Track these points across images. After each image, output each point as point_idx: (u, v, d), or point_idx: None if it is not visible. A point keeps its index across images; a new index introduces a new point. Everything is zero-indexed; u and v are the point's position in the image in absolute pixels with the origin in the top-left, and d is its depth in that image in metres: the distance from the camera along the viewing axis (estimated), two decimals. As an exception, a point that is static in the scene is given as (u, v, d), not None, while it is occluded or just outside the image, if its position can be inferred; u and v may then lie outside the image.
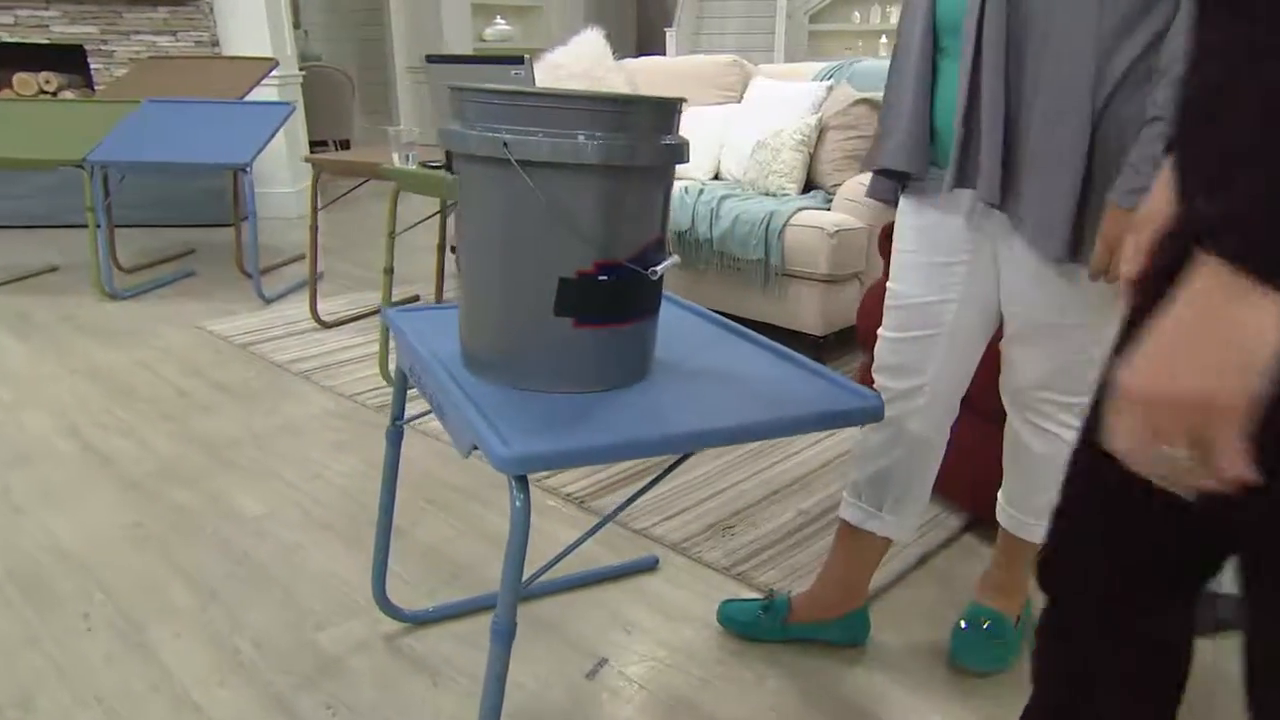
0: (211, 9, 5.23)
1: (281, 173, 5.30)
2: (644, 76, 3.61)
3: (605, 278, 1.06)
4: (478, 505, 1.96)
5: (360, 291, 3.66)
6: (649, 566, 1.72)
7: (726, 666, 1.45)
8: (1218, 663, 1.45)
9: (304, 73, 5.75)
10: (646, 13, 9.68)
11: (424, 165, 2.34)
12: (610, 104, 1.00)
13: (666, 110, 1.05)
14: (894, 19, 7.38)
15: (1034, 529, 1.43)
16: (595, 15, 9.47)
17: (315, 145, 6.91)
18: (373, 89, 9.73)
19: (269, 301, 3.50)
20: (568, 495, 1.98)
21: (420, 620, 1.55)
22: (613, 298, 1.07)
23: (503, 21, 8.85)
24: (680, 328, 1.35)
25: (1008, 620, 1.50)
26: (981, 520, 1.85)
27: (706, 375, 1.16)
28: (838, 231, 2.44)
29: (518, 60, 1.96)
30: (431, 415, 2.38)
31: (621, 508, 1.26)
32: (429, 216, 3.17)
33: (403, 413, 1.44)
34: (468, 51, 8.42)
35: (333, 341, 3.00)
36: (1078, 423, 1.32)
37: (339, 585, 1.66)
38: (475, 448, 1.00)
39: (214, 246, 4.53)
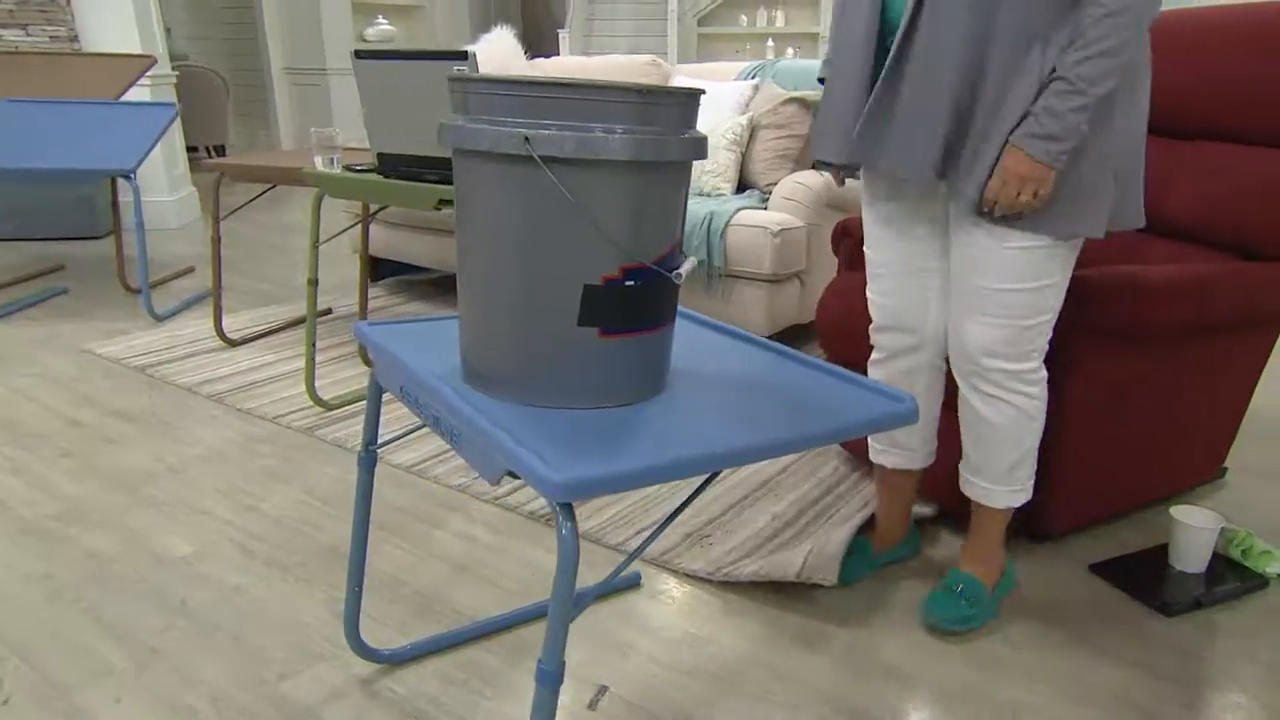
0: (69, 1, 4.80)
1: (159, 180, 4.92)
2: (561, 76, 3.52)
3: (632, 283, 0.98)
4: (428, 526, 1.83)
5: (264, 306, 3.42)
6: (633, 584, 1.64)
7: (730, 682, 1.39)
8: (1193, 640, 1.50)
9: (176, 73, 5.38)
10: (533, 14, 9.55)
11: (349, 169, 2.19)
12: (637, 95, 0.93)
13: (691, 102, 0.99)
14: (780, 23, 7.53)
15: (996, 494, 1.51)
16: (480, 15, 9.29)
17: (188, 152, 6.48)
18: (246, 91, 9.23)
19: (162, 319, 3.23)
20: (532, 513, 1.88)
21: (398, 660, 1.43)
22: (638, 304, 1.00)
23: (384, 21, 8.54)
24: (677, 334, 1.29)
25: (983, 586, 1.54)
26: (951, 511, 1.86)
27: (725, 384, 1.10)
28: (781, 231, 2.42)
29: (460, 56, 1.84)
30: (360, 433, 2.22)
31: (651, 538, 1.18)
32: (352, 225, 2.99)
33: (375, 437, 1.32)
34: (349, 50, 8.10)
35: (244, 360, 2.78)
36: (1026, 389, 1.37)
37: (296, 628, 1.52)
38: (509, 474, 0.90)
39: (84, 261, 4.15)
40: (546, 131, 0.91)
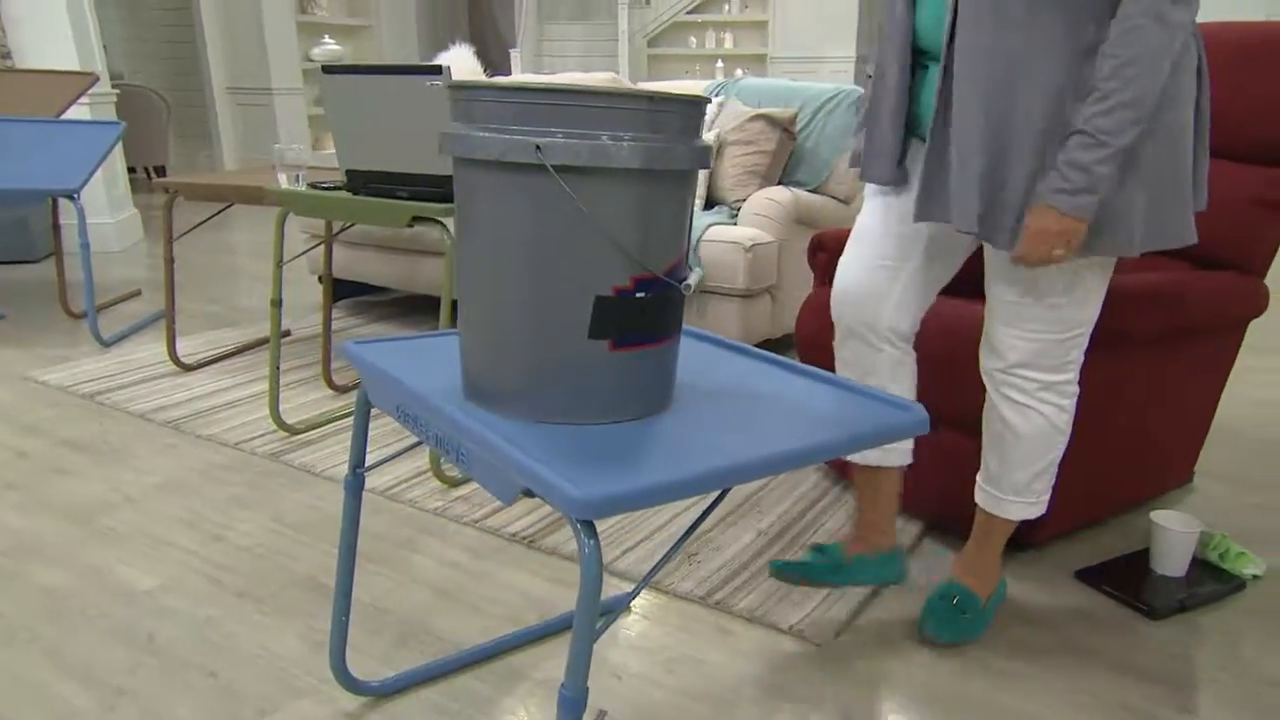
0: None
1: (99, 201, 4.76)
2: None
3: (643, 294, 0.96)
4: (406, 551, 1.78)
5: (217, 330, 3.32)
6: (622, 606, 1.60)
7: (731, 702, 1.36)
8: (1180, 643, 1.51)
9: (117, 90, 5.22)
10: (481, 34, 9.52)
11: (314, 186, 2.13)
12: (647, 103, 0.91)
13: (696, 111, 0.97)
14: (729, 44, 7.62)
15: (1010, 506, 1.50)
16: (428, 35, 9.23)
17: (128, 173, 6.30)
18: (186, 111, 9.03)
19: (109, 345, 3.10)
20: (514, 535, 1.83)
21: (386, 691, 1.37)
22: (649, 315, 0.97)
23: (331, 41, 8.44)
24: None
25: (977, 597, 1.54)
26: (938, 525, 1.86)
27: (730, 397, 1.08)
28: (753, 246, 2.43)
29: (434, 71, 1.81)
30: (339, 456, 2.15)
31: (662, 562, 1.15)
32: (314, 245, 2.92)
33: (363, 459, 1.27)
34: (295, 70, 7.96)
35: (199, 386, 2.68)
36: (1059, 400, 1.37)
37: (274, 661, 1.45)
38: (526, 493, 0.87)
39: (20, 286, 3.99)
40: (558, 140, 0.88)
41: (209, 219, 3.19)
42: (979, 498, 1.53)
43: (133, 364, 2.87)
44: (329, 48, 8.38)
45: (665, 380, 1.03)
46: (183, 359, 2.86)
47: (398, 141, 1.94)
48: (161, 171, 7.32)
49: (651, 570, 0.97)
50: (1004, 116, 1.23)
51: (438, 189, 1.95)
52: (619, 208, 0.92)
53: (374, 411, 2.49)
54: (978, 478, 1.53)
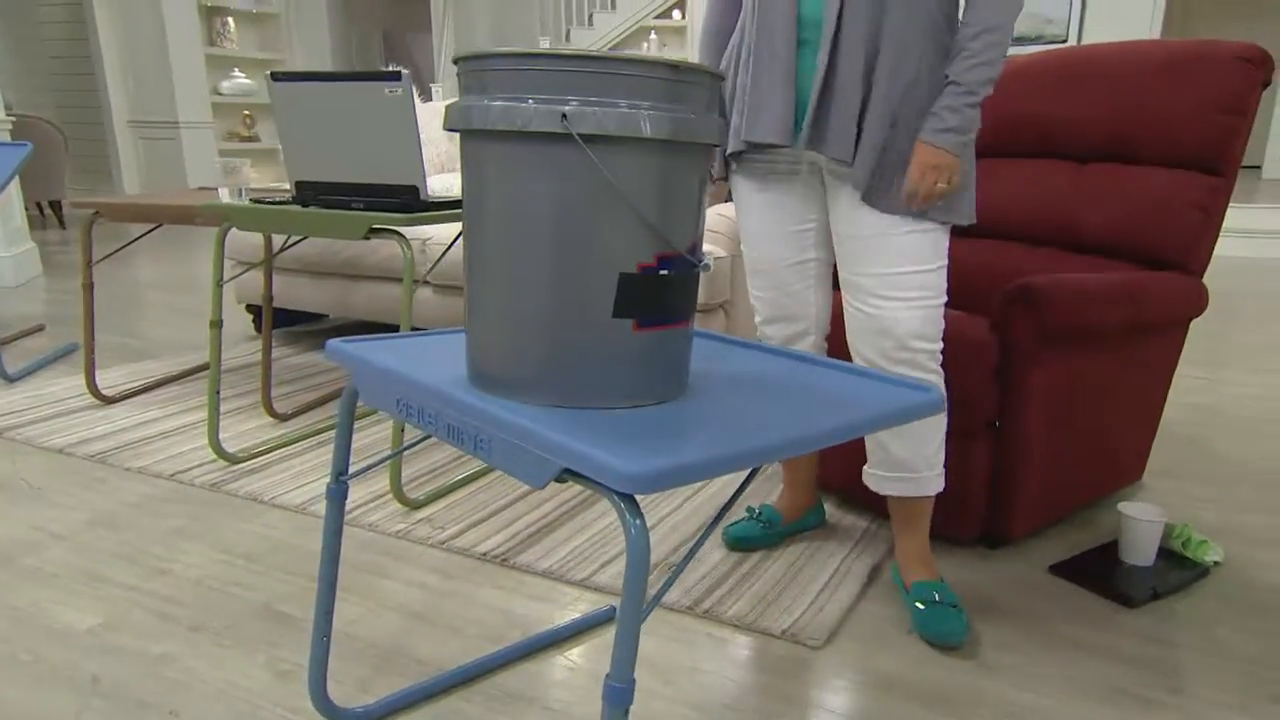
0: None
1: (-7, 234, 4.47)
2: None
3: (666, 271, 0.93)
4: (372, 576, 1.68)
5: (137, 362, 3.12)
6: (608, 618, 1.55)
7: (736, 710, 1.31)
8: (1159, 629, 1.54)
9: (12, 119, 4.95)
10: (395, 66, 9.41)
11: (257, 201, 2.04)
12: (669, 71, 0.89)
13: (716, 84, 0.96)
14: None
15: (932, 481, 1.56)
16: (342, 68, 9.08)
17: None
18: (83, 145, 8.63)
19: (13, 380, 2.88)
20: (484, 555, 1.75)
21: (371, 718, 1.27)
22: (671, 294, 0.94)
23: (240, 74, 8.22)
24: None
25: (945, 585, 1.57)
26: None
27: (745, 384, 1.06)
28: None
29: (393, 76, 1.76)
30: (286, 483, 2.04)
31: (700, 540, 1.11)
32: (252, 266, 2.79)
33: (346, 466, 1.19)
34: (204, 103, 7.71)
35: (124, 418, 2.51)
36: (938, 367, 1.46)
37: (240, 695, 1.33)
38: (559, 478, 0.82)
39: (-87, 323, 3.70)
40: (584, 108, 0.85)
41: (131, 243, 3.01)
42: (895, 489, 1.56)
43: (45, 398, 2.67)
44: (239, 82, 8.17)
45: (684, 364, 1.00)
46: (103, 391, 2.68)
47: (352, 151, 1.87)
48: (58, 207, 6.94)
49: (683, 562, 0.93)
50: (888, 89, 1.38)
51: (395, 199, 1.88)
52: (644, 181, 0.89)
53: (319, 437, 2.37)
54: (878, 473, 1.57)
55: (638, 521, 0.79)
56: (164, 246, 6.08)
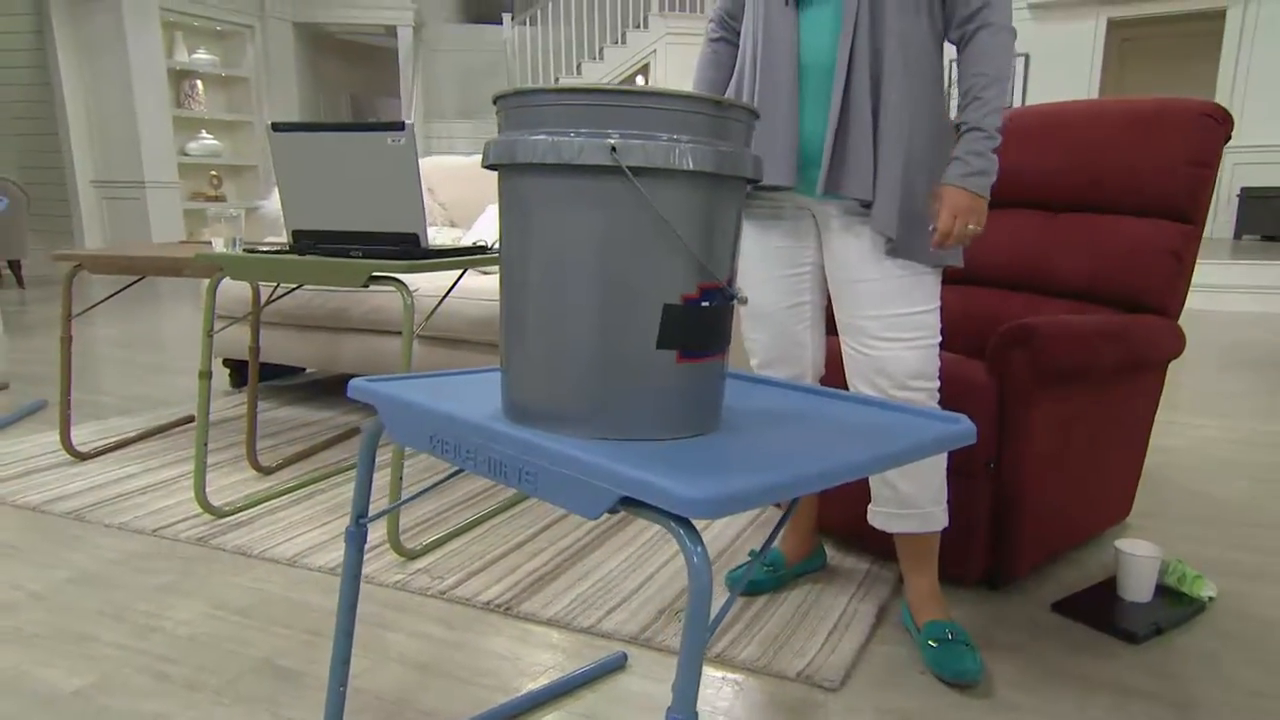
0: None
1: (-45, 292, 4.36)
2: (440, 174, 3.48)
3: (707, 303, 0.95)
4: (374, 628, 1.63)
5: (111, 419, 3.04)
6: (619, 665, 1.52)
7: (758, 755, 1.29)
8: (1165, 663, 1.56)
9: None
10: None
11: (250, 250, 2.03)
12: (713, 107, 0.91)
13: (753, 120, 0.99)
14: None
15: (938, 515, 1.58)
16: (310, 132, 9.12)
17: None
18: (43, 204, 8.51)
19: (-20, 438, 2.79)
20: (487, 604, 1.72)
21: (387, 774, 1.23)
22: (711, 325, 0.96)
23: (208, 136, 8.22)
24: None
25: (957, 624, 1.57)
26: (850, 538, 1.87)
27: (776, 417, 1.07)
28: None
29: (397, 126, 1.78)
30: (276, 536, 1.99)
31: (774, 535, 1.10)
32: (242, 318, 2.75)
33: (366, 509, 1.17)
34: (171, 164, 7.68)
35: (100, 475, 2.43)
36: (936, 407, 1.48)
37: (244, 755, 1.28)
38: (612, 509, 0.81)
39: None
40: (632, 141, 0.87)
41: (116, 294, 2.96)
42: (904, 526, 1.57)
43: (15, 455, 2.59)
44: (206, 143, 8.16)
45: (720, 396, 1.01)
46: (78, 447, 2.60)
47: (352, 200, 1.88)
48: (17, 266, 6.81)
49: (761, 548, 0.92)
50: (897, 130, 1.42)
51: (394, 247, 1.89)
52: (688, 212, 0.91)
53: (306, 489, 2.32)
54: (886, 510, 1.59)
55: (699, 549, 0.79)
56: (125, 303, 5.97)
